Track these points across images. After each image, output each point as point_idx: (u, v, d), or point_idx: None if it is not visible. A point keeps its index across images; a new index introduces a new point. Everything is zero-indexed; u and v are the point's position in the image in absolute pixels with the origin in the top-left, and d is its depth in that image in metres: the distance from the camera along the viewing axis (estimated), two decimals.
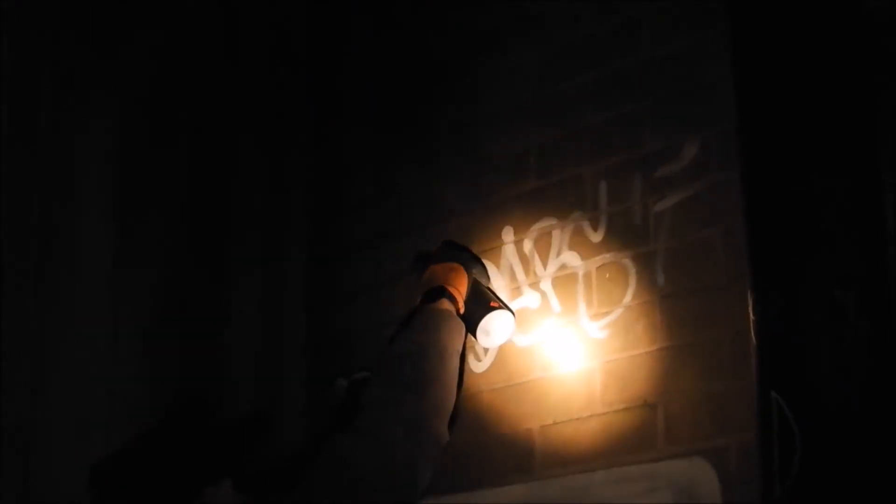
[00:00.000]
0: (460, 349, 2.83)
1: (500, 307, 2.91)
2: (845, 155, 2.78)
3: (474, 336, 2.90)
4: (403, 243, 3.46)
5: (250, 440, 2.83)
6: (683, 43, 3.06)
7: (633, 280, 3.00)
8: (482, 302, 2.91)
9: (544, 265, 3.16)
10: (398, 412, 2.67)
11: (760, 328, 2.76)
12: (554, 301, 3.12)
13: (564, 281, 3.11)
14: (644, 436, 2.91)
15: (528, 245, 3.20)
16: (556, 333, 3.10)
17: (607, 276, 3.04)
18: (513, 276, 3.21)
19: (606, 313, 3.03)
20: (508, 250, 3.24)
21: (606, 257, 3.07)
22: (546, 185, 3.22)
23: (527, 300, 3.17)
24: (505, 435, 3.15)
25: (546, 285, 3.14)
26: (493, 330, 2.93)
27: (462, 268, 2.95)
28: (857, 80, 2.81)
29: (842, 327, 2.69)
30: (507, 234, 3.26)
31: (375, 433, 2.61)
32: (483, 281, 2.97)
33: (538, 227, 3.21)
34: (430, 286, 2.94)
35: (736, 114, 2.90)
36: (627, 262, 3.02)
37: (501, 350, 3.19)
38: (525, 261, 3.19)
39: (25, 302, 3.24)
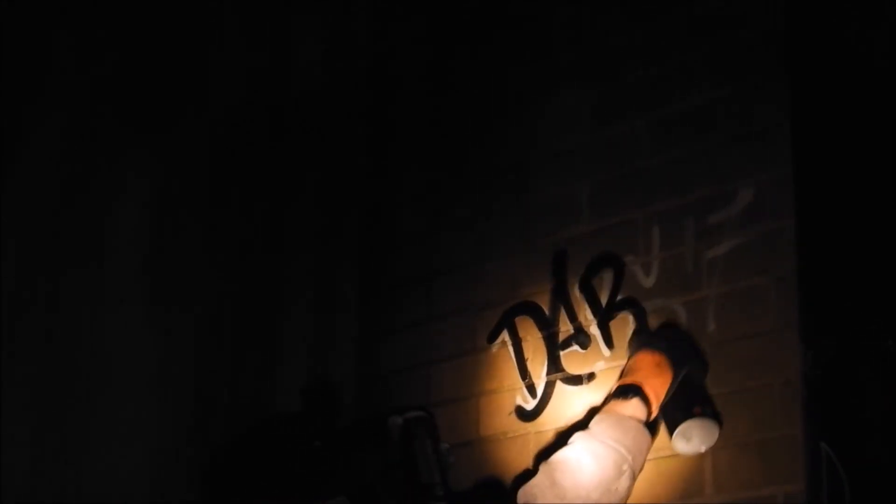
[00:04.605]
0: (638, 469, 2.81)
1: (702, 414, 2.88)
2: None
3: (670, 437, 2.91)
4: (453, 281, 3.56)
5: (370, 450, 2.89)
6: (739, 87, 3.13)
7: (683, 326, 3.05)
8: (685, 405, 2.88)
9: (595, 309, 3.22)
10: None
11: (810, 377, 2.83)
12: (603, 345, 3.18)
13: (615, 325, 3.17)
14: (692, 483, 2.95)
15: (577, 289, 3.26)
16: (606, 378, 3.13)
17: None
18: (563, 320, 3.26)
19: None
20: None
21: (657, 302, 3.12)
22: (598, 228, 3.28)
23: (576, 344, 3.23)
24: None
25: (596, 329, 3.20)
26: (694, 436, 2.91)
27: (668, 362, 2.90)
28: None
29: (893, 377, 2.75)
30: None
31: None
32: (696, 378, 2.93)
33: None
34: (626, 380, 2.90)
35: (791, 160, 2.98)
36: (678, 307, 3.07)
37: (551, 393, 3.25)
38: (577, 303, 3.24)
39: (63, 362, 3.35)
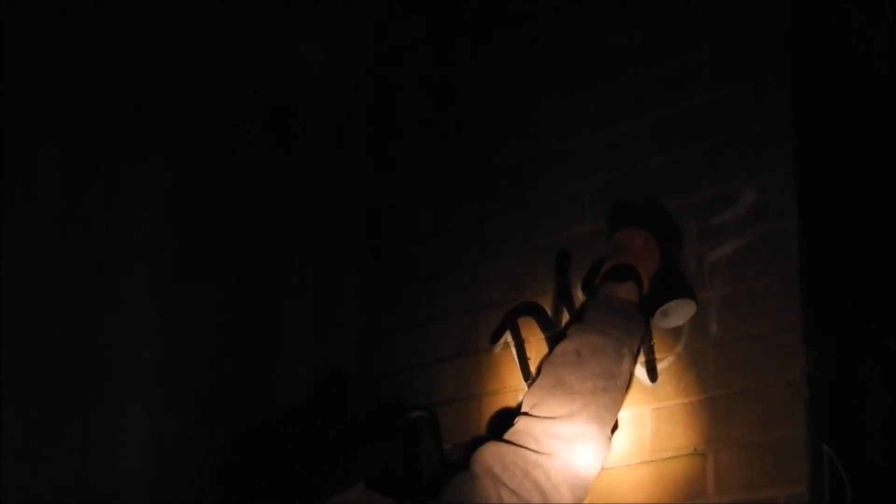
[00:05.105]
0: (635, 351, 2.86)
1: (684, 295, 2.94)
2: None
3: (651, 315, 2.95)
4: (455, 281, 3.56)
5: (389, 441, 2.91)
6: (740, 88, 3.13)
7: (686, 327, 3.05)
8: (669, 284, 2.94)
9: None
10: (559, 424, 2.73)
11: (813, 378, 2.84)
12: None
13: None
14: (693, 484, 2.96)
15: (580, 289, 3.25)
16: None
17: None
18: (566, 320, 3.24)
19: (658, 360, 3.08)
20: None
21: None
22: (601, 229, 3.28)
23: None
24: None
25: None
26: (672, 313, 2.97)
27: (657, 242, 2.96)
28: None
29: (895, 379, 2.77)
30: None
31: (535, 446, 2.70)
32: (675, 257, 2.99)
33: None
34: (620, 258, 2.93)
35: (794, 160, 2.99)
36: None
37: None
38: (579, 304, 3.22)
39: (72, 363, 3.34)
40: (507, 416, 2.93)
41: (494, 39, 3.68)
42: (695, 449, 2.98)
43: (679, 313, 2.99)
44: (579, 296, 3.24)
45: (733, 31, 3.18)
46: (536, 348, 3.28)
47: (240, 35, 3.79)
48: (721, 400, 2.97)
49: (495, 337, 3.34)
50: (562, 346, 2.85)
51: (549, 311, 3.28)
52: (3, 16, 3.37)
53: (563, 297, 3.26)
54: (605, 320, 2.85)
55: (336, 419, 3.26)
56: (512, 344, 3.30)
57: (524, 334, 3.30)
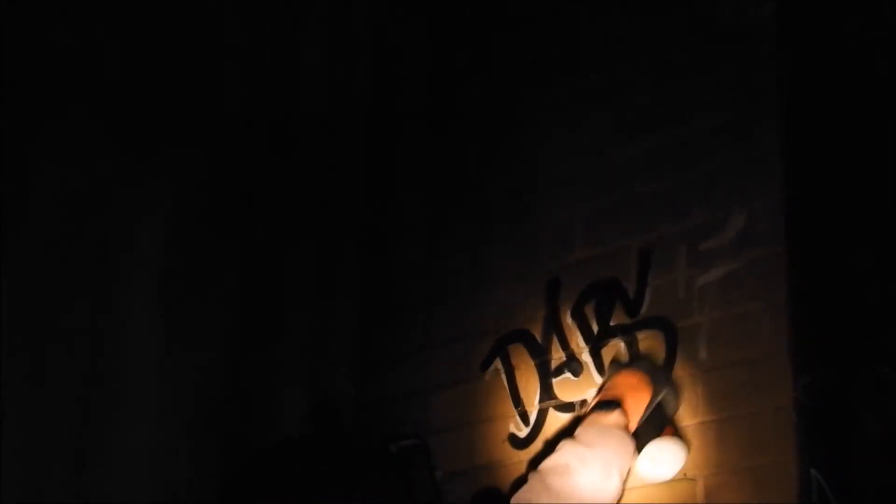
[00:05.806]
0: (625, 472, 2.87)
1: (672, 435, 2.94)
2: (893, 231, 2.85)
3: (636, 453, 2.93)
4: (452, 307, 3.57)
5: (383, 470, 2.92)
6: (733, 115, 3.14)
7: (675, 353, 3.04)
8: (656, 426, 2.94)
9: (586, 336, 3.23)
10: None
11: (802, 404, 2.83)
12: (595, 373, 3.18)
13: (606, 352, 3.17)
14: None
15: (569, 317, 3.27)
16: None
17: None
18: (556, 347, 3.27)
19: None
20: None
21: (649, 330, 3.12)
22: (592, 255, 3.29)
23: (568, 371, 3.23)
24: None
25: (588, 356, 3.20)
26: (661, 460, 2.95)
27: (647, 383, 2.97)
28: None
29: (887, 405, 2.75)
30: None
31: None
32: (669, 407, 2.98)
33: None
34: (607, 395, 2.97)
35: (784, 187, 2.99)
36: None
37: (543, 420, 3.26)
38: (569, 331, 3.26)
39: (74, 383, 3.36)
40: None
41: (494, 39, 3.69)
42: (685, 474, 2.97)
43: (668, 459, 2.96)
44: (568, 322, 3.25)
45: (726, 60, 3.18)
46: (526, 375, 3.29)
47: (239, 35, 3.80)
48: (710, 425, 2.97)
49: (485, 364, 3.34)
50: (552, 459, 2.88)
51: (538, 338, 3.29)
52: (2, 16, 3.39)
53: (552, 324, 3.27)
54: (595, 439, 2.87)
55: (334, 448, 3.26)
56: (502, 371, 3.30)
57: (514, 361, 3.31)
